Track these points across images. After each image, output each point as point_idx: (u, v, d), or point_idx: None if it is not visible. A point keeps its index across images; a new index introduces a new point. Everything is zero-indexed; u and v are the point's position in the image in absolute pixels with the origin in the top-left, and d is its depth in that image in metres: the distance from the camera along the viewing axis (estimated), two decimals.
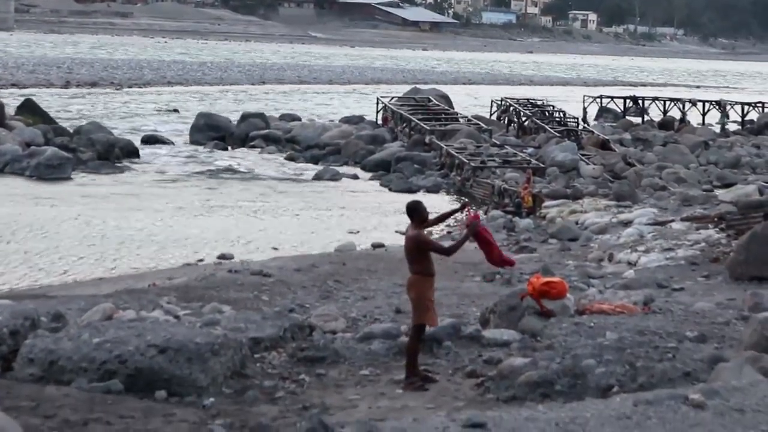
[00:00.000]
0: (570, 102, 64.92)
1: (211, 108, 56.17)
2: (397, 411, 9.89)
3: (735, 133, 53.08)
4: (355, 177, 37.97)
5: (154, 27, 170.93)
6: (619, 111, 62.84)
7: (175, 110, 58.82)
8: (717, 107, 60.18)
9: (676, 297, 15.61)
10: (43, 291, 17.93)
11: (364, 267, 19.55)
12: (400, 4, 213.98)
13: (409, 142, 43.00)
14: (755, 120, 58.84)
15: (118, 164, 37.75)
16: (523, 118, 49.52)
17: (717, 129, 54.66)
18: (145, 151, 41.46)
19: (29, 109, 44.16)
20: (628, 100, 63.11)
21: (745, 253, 17.29)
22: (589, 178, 34.99)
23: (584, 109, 60.53)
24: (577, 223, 26.68)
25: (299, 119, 51.21)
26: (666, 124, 54.67)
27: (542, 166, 36.05)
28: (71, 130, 41.47)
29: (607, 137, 44.66)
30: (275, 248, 24.29)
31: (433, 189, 35.09)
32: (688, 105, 60.42)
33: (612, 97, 64.35)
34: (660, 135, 48.09)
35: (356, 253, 22.54)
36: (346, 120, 51.10)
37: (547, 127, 46.04)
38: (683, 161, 39.40)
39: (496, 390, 10.43)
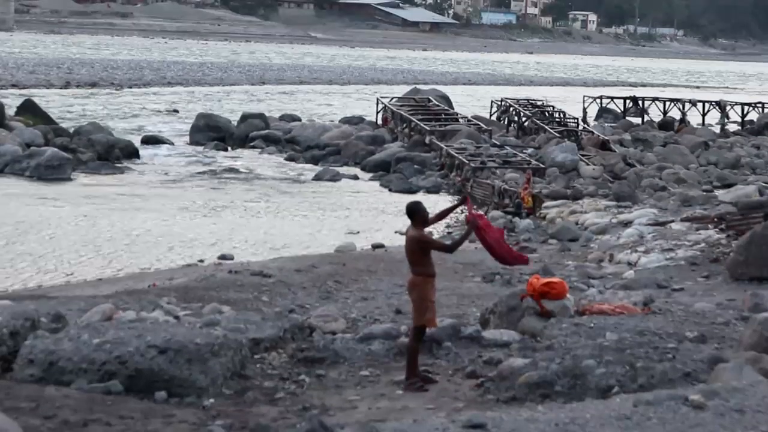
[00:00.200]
0: (570, 102, 64.91)
1: (211, 108, 56.16)
2: (397, 412, 9.89)
3: (735, 133, 53.07)
4: (355, 177, 37.97)
5: (154, 27, 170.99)
6: (619, 111, 62.86)
7: (175, 111, 58.84)
8: (717, 108, 60.18)
9: (676, 297, 15.62)
10: (43, 292, 17.93)
11: (364, 267, 19.55)
12: (400, 4, 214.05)
13: (409, 142, 43.00)
14: (755, 120, 58.82)
15: (118, 165, 37.75)
16: (523, 119, 49.52)
17: (717, 129, 54.66)
18: (145, 151, 41.46)
19: (29, 110, 44.17)
20: (628, 101, 63.11)
21: (745, 253, 17.29)
22: (589, 178, 34.99)
23: (584, 109, 60.53)
24: (577, 224, 26.68)
25: (299, 120, 51.23)
26: (666, 124, 54.67)
27: (542, 166, 36.04)
28: (71, 131, 41.46)
29: (607, 138, 44.64)
30: (275, 249, 24.29)
31: (433, 189, 35.09)
32: (688, 105, 60.42)
33: (612, 98, 64.36)
34: (660, 135, 48.09)
35: (356, 254, 22.54)
36: (346, 120, 51.10)
37: (547, 127, 46.02)
38: (683, 162, 39.40)
39: (496, 391, 10.42)
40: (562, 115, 50.56)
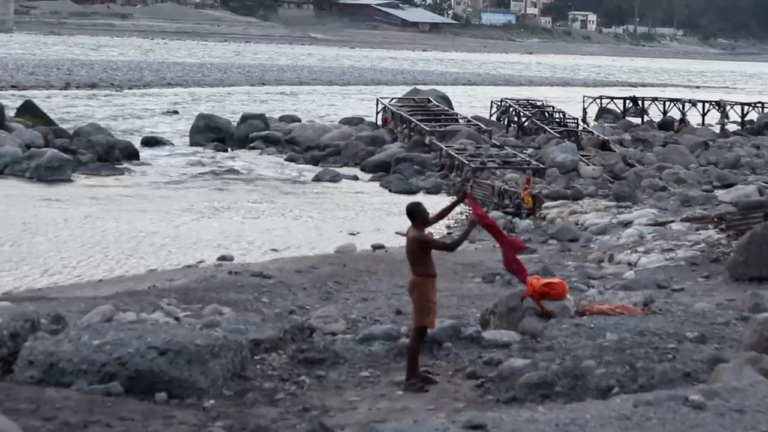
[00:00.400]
0: (570, 103, 64.92)
1: (211, 109, 56.17)
2: (398, 412, 9.89)
3: (735, 133, 53.08)
4: (355, 178, 37.97)
5: (154, 28, 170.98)
6: (619, 111, 62.87)
7: (175, 112, 58.85)
8: (717, 108, 60.18)
9: (676, 298, 15.62)
10: (43, 293, 17.93)
11: (364, 268, 19.55)
12: (400, 5, 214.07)
13: (408, 143, 43.03)
14: (755, 120, 58.84)
15: (118, 166, 37.76)
16: (523, 119, 49.53)
17: (717, 129, 54.66)
18: (145, 152, 41.49)
19: (29, 111, 44.18)
20: (627, 101, 63.12)
21: (745, 253, 17.29)
22: (589, 178, 35.00)
23: (584, 109, 60.54)
24: (577, 224, 26.69)
25: (299, 120, 51.24)
26: (666, 124, 54.69)
27: (542, 166, 36.05)
28: (71, 132, 41.48)
29: (606, 138, 44.66)
30: (275, 250, 24.30)
31: (433, 190, 35.11)
32: (687, 105, 60.42)
33: (612, 98, 64.37)
34: (660, 135, 48.12)
35: (356, 255, 22.54)
36: (346, 121, 51.12)
37: (546, 127, 46.03)
38: (683, 162, 39.41)
39: (496, 391, 10.42)
40: (561, 116, 50.58)
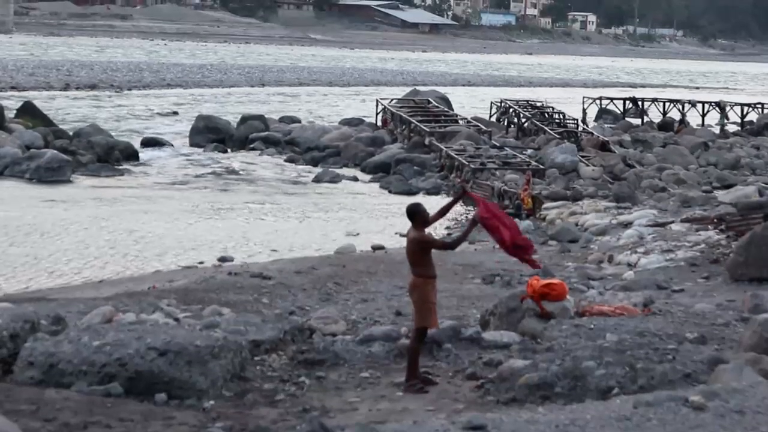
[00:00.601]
0: (569, 103, 64.92)
1: (210, 110, 56.18)
2: (398, 413, 9.89)
3: (734, 134, 53.07)
4: (355, 179, 37.97)
5: (154, 29, 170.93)
6: (619, 112, 62.85)
7: (175, 112, 58.85)
8: (716, 108, 60.18)
9: (675, 298, 15.62)
10: (43, 294, 17.93)
11: (364, 269, 19.54)
12: (400, 6, 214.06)
13: (408, 144, 43.02)
14: (755, 121, 58.83)
15: (118, 167, 37.75)
16: (523, 120, 49.52)
17: (716, 130, 54.65)
18: (144, 153, 41.49)
19: (29, 112, 44.17)
20: (627, 102, 63.10)
21: (744, 254, 17.30)
22: (589, 179, 35.00)
23: (584, 110, 60.51)
24: (576, 225, 26.70)
25: (299, 121, 51.23)
26: (665, 125, 54.66)
27: (542, 167, 36.05)
28: (71, 133, 41.47)
29: (606, 139, 44.66)
30: (275, 250, 24.29)
31: (433, 191, 35.09)
32: (687, 106, 60.39)
33: (611, 99, 64.35)
34: (659, 136, 48.10)
35: (356, 256, 22.54)
36: (346, 122, 51.12)
37: (546, 128, 46.03)
38: (683, 162, 39.41)
39: (496, 392, 10.42)
40: (561, 116, 50.57)
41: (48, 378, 10.18)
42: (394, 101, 51.54)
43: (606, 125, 56.09)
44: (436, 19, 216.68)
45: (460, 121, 46.32)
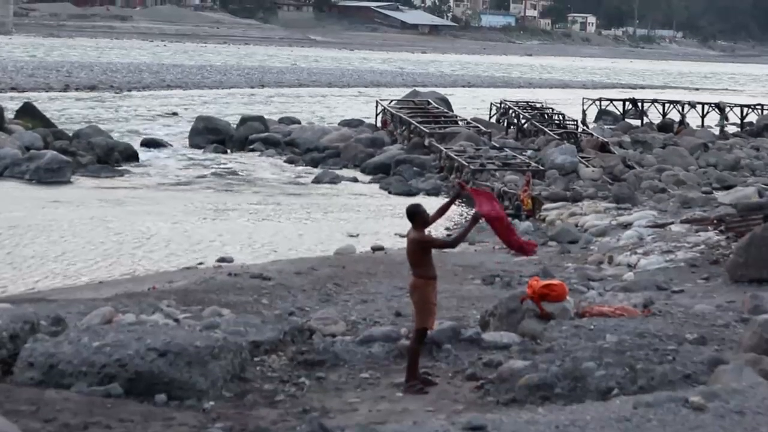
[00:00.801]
0: (569, 104, 64.92)
1: (210, 111, 56.17)
2: (397, 414, 9.89)
3: (734, 135, 53.08)
4: (355, 180, 37.96)
5: (153, 30, 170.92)
6: (619, 113, 62.86)
7: (175, 113, 58.85)
8: (716, 109, 60.20)
9: (675, 299, 15.62)
10: (43, 294, 17.92)
11: (364, 270, 19.54)
12: (399, 7, 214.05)
13: (408, 145, 43.01)
14: (754, 122, 58.85)
15: (118, 168, 37.74)
16: (523, 121, 49.52)
17: (716, 131, 54.67)
18: (144, 154, 41.48)
19: (28, 113, 44.15)
20: (627, 103, 63.12)
21: (744, 255, 17.30)
22: (589, 180, 35.00)
23: (583, 111, 60.53)
24: (576, 226, 26.69)
25: (298, 122, 51.23)
26: (665, 126, 54.68)
27: (541, 168, 36.04)
28: (70, 134, 41.46)
29: (606, 140, 44.66)
30: (275, 251, 24.29)
31: (433, 192, 35.06)
32: (687, 107, 60.40)
33: (611, 100, 64.36)
34: (659, 137, 48.11)
35: (356, 257, 22.53)
36: (346, 123, 51.11)
37: (546, 129, 46.02)
38: (682, 163, 39.41)
39: (496, 393, 10.43)
40: (561, 117, 50.56)
41: (48, 379, 10.18)
42: (393, 102, 51.54)
43: (606, 126, 56.10)
44: (436, 21, 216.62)
45: (460, 122, 46.30)
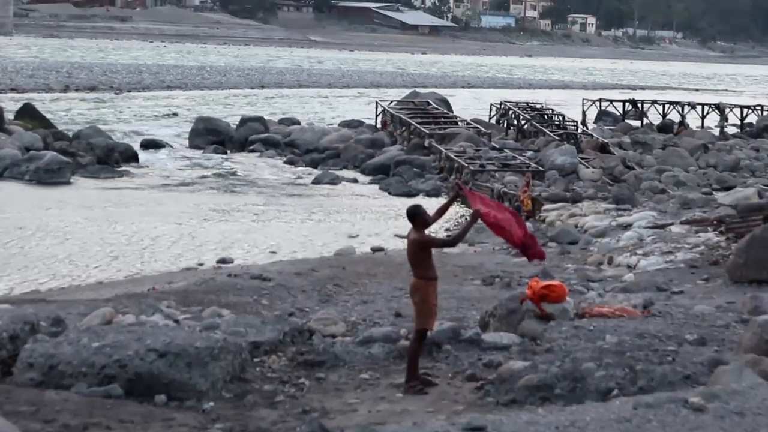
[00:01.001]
0: (569, 105, 64.94)
1: (210, 112, 56.19)
2: (397, 415, 9.90)
3: (734, 136, 53.11)
4: (355, 181, 37.97)
5: (153, 31, 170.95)
6: (618, 114, 62.89)
7: (174, 114, 58.86)
8: (716, 110, 60.22)
9: (675, 300, 15.62)
10: (43, 295, 17.92)
11: (364, 271, 19.54)
12: (399, 8, 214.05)
13: (408, 145, 43.02)
14: (754, 123, 58.87)
15: (118, 169, 37.77)
16: (522, 122, 49.54)
17: (716, 132, 54.70)
18: (144, 155, 41.50)
19: (28, 114, 44.16)
20: (627, 104, 63.16)
21: (744, 256, 17.30)
22: (589, 181, 35.01)
23: (583, 112, 60.56)
24: (576, 227, 26.69)
25: (298, 123, 51.24)
26: (665, 127, 54.73)
27: (541, 169, 36.06)
28: (70, 135, 41.48)
29: (606, 140, 44.70)
30: (274, 252, 24.29)
31: (433, 193, 35.07)
32: (687, 108, 60.45)
33: (611, 101, 64.40)
34: (659, 138, 48.18)
35: (356, 257, 22.53)
36: (346, 124, 51.13)
37: (546, 130, 46.04)
38: (682, 164, 39.43)
39: (496, 394, 10.43)
40: (561, 118, 50.59)
41: (48, 379, 10.18)
42: (393, 103, 51.55)
43: (605, 127, 56.15)
44: (436, 21, 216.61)
45: (460, 123, 46.31)
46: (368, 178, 38.55)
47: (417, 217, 10.78)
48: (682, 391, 8.91)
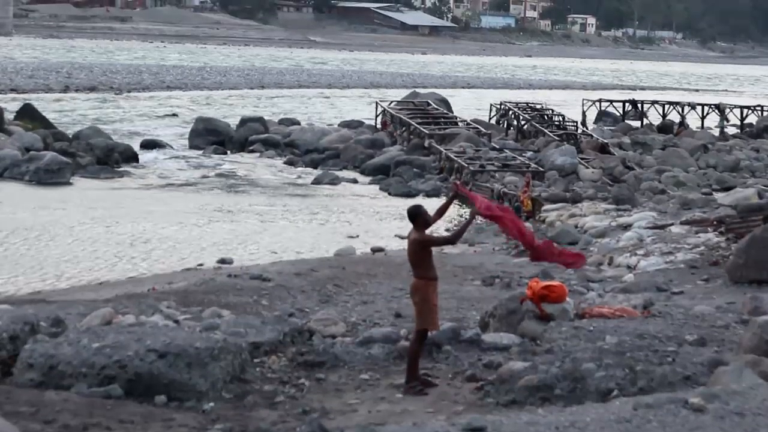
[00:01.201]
0: (569, 106, 64.93)
1: (210, 112, 56.17)
2: (397, 415, 9.90)
3: (734, 136, 53.10)
4: (355, 181, 37.97)
5: (153, 31, 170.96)
6: (618, 115, 62.89)
7: (174, 114, 58.86)
8: (716, 111, 60.22)
9: (675, 300, 15.62)
10: (43, 296, 17.91)
11: (364, 271, 19.53)
12: (399, 8, 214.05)
13: (408, 146, 43.01)
14: (754, 123, 58.87)
15: (118, 169, 37.76)
16: (522, 122, 49.54)
17: (716, 132, 54.69)
18: (144, 155, 41.49)
19: (28, 114, 44.14)
20: (627, 104, 63.15)
21: (744, 256, 17.30)
22: (588, 181, 35.01)
23: (583, 112, 60.56)
24: (576, 227, 26.69)
25: (298, 123, 51.23)
26: (665, 127, 54.70)
27: (541, 169, 36.06)
28: (70, 135, 41.47)
29: (606, 141, 44.69)
30: (274, 252, 24.29)
31: (433, 193, 35.06)
32: (687, 108, 60.45)
33: (611, 101, 64.38)
34: (659, 138, 48.15)
35: (356, 258, 22.53)
36: (345, 124, 51.12)
37: (546, 130, 46.03)
38: (682, 165, 39.42)
39: (496, 394, 10.43)
40: (561, 119, 50.57)
41: (48, 380, 10.18)
42: (393, 103, 51.53)
43: (605, 127, 56.12)
44: (436, 22, 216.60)
45: (460, 123, 46.30)
46: (368, 179, 38.54)
47: (418, 217, 10.79)
48: (682, 392, 8.91)
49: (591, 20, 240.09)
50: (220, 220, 28.94)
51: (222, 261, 22.49)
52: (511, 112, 51.67)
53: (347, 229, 28.06)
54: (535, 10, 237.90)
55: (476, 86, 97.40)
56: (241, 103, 69.14)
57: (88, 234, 25.85)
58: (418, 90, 65.36)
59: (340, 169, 40.32)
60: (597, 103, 63.28)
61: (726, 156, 42.46)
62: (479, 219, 11.12)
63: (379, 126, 48.94)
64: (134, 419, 9.24)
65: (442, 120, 46.87)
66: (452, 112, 51.07)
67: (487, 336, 12.55)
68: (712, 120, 60.01)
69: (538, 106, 52.92)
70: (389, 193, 35.52)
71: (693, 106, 60.93)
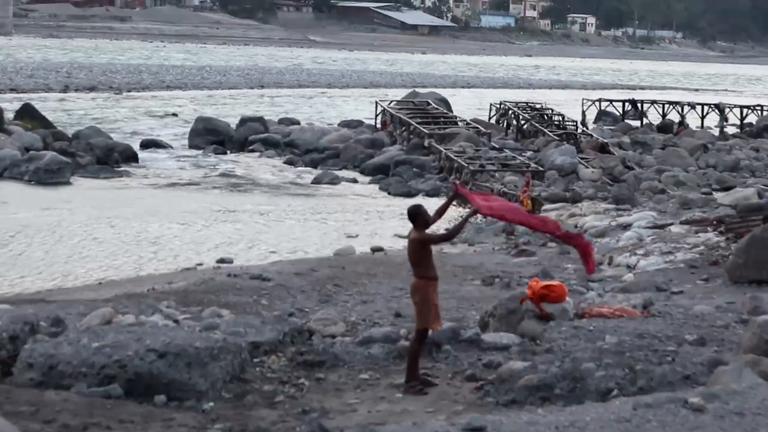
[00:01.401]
0: (569, 105, 64.93)
1: (210, 112, 56.18)
2: (397, 415, 9.90)
3: (734, 136, 53.11)
4: (354, 181, 37.97)
5: (153, 31, 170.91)
6: (618, 114, 62.89)
7: (174, 114, 58.85)
8: (716, 110, 60.23)
9: (675, 300, 15.62)
10: (43, 295, 17.91)
11: (364, 271, 19.54)
12: (399, 8, 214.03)
13: (408, 145, 43.01)
14: (754, 123, 58.87)
15: (117, 169, 37.75)
16: (522, 122, 49.54)
17: (716, 132, 54.70)
18: (144, 155, 41.48)
19: (28, 114, 44.12)
20: (626, 104, 63.16)
21: (744, 256, 17.30)
22: (588, 181, 35.01)
23: (583, 112, 60.56)
24: (576, 227, 26.67)
25: (298, 123, 51.23)
26: (665, 127, 54.73)
27: (541, 169, 36.06)
28: (70, 135, 41.47)
29: (605, 140, 44.69)
30: (274, 252, 24.29)
31: (433, 193, 35.05)
32: (686, 108, 60.46)
33: (611, 101, 64.40)
34: (659, 138, 48.16)
35: (355, 257, 22.53)
36: (345, 124, 51.10)
37: (545, 130, 46.04)
38: (682, 164, 39.42)
39: (496, 394, 10.43)
40: (560, 118, 50.57)
41: (47, 380, 10.18)
42: (393, 103, 51.52)
43: (605, 127, 56.13)
44: (436, 21, 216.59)
45: (460, 123, 46.29)
46: (368, 178, 38.53)
47: (418, 216, 10.79)
48: (681, 392, 8.92)
49: (591, 20, 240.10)
50: (220, 219, 28.94)
51: (221, 261, 22.48)
52: (510, 112, 51.66)
53: (347, 228, 28.06)
54: (534, 10, 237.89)
55: (476, 86, 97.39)
56: (241, 102, 69.13)
57: (88, 234, 25.84)
58: (417, 89, 65.35)
59: (340, 169, 40.31)
60: (597, 103, 63.29)
61: (726, 156, 42.46)
62: (479, 218, 11.12)
63: (378, 125, 48.93)
64: (134, 419, 9.24)
65: (442, 119, 46.86)
66: (452, 112, 51.08)
67: (486, 336, 12.55)
68: (712, 120, 60.02)
69: (538, 106, 52.91)
70: (389, 193, 35.52)
71: (693, 106, 60.94)
